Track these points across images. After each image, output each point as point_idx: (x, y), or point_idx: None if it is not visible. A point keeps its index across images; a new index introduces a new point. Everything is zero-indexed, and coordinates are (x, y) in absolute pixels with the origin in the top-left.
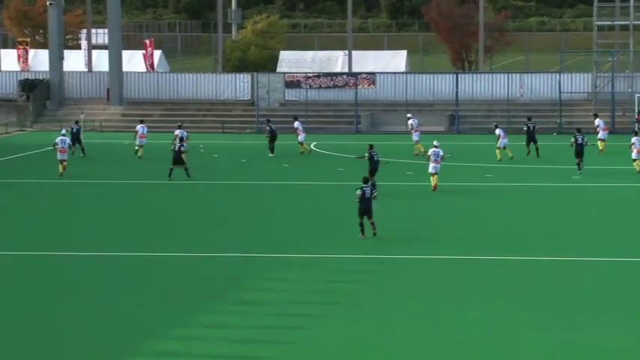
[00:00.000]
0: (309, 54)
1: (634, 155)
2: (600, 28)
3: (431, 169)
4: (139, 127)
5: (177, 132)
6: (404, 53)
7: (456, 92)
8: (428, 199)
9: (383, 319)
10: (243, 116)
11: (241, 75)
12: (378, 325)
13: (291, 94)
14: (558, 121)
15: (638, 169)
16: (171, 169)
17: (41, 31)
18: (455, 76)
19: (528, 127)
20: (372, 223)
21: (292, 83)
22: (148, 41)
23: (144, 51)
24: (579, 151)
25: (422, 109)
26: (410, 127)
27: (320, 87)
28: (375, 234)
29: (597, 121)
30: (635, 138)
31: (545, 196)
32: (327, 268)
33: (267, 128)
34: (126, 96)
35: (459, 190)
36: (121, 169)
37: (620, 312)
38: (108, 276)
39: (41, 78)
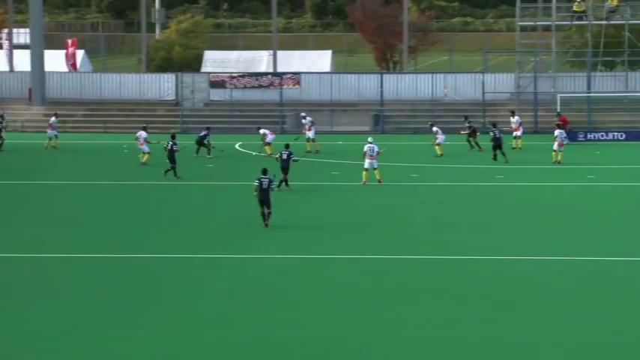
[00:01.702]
0: (233, 54)
1: (555, 147)
2: (523, 29)
3: (366, 165)
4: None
5: (139, 133)
6: (328, 53)
7: (381, 92)
8: (348, 196)
9: (312, 321)
10: (168, 116)
11: (165, 75)
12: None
13: (216, 94)
14: (482, 120)
15: (554, 160)
16: (168, 170)
17: None
18: (379, 76)
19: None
20: (269, 214)
21: (217, 83)
22: (70, 41)
23: (66, 50)
24: (498, 144)
25: (347, 109)
26: (307, 125)
27: (245, 87)
28: (266, 225)
29: (513, 119)
30: (558, 131)
31: (469, 195)
32: (235, 267)
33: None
34: (48, 96)
35: (383, 188)
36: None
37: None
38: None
39: None
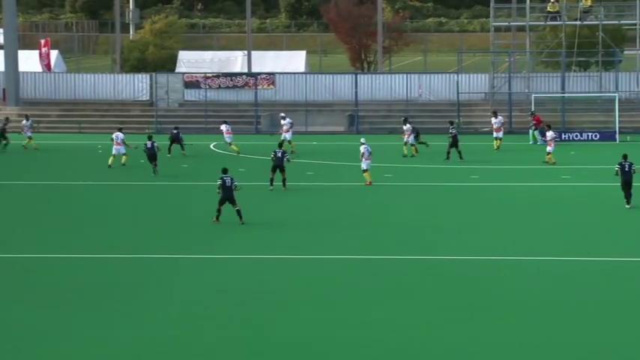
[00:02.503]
0: (208, 54)
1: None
2: (497, 29)
3: (364, 166)
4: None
5: (115, 135)
6: (303, 53)
7: (356, 92)
8: (322, 196)
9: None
10: (142, 116)
11: (140, 75)
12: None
13: (191, 95)
14: (456, 121)
15: (551, 161)
16: (154, 169)
17: None
18: (354, 76)
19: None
20: (238, 211)
21: (191, 83)
22: (43, 41)
23: (40, 51)
24: (454, 143)
25: (322, 109)
26: (285, 126)
27: (219, 87)
28: (242, 222)
29: (495, 120)
30: (551, 132)
31: (445, 196)
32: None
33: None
34: (22, 96)
35: (359, 189)
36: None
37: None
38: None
39: None
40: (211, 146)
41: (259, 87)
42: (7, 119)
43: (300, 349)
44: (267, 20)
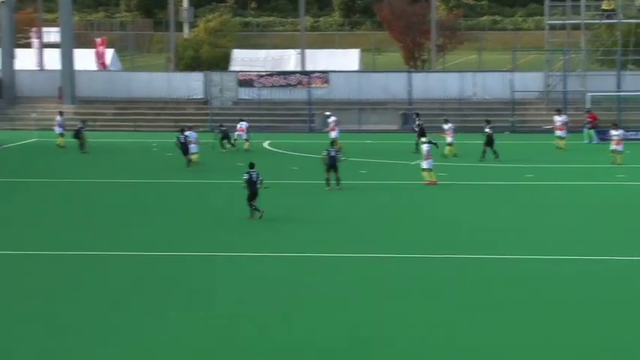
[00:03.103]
0: (261, 53)
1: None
2: (552, 27)
3: (426, 165)
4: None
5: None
6: (356, 52)
7: (409, 91)
8: (377, 194)
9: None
10: (196, 115)
11: (194, 73)
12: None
13: (244, 93)
14: (511, 119)
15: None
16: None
17: None
18: (408, 74)
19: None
20: (256, 208)
21: (245, 82)
22: (99, 39)
23: (96, 49)
24: (489, 141)
25: (375, 107)
26: (331, 124)
27: (273, 86)
28: (260, 216)
29: (559, 118)
30: (617, 131)
31: (502, 194)
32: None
33: (222, 129)
34: (78, 94)
35: (411, 188)
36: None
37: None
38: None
39: None
40: (265, 144)
41: (312, 85)
42: (83, 122)
43: (343, 349)
44: (321, 19)
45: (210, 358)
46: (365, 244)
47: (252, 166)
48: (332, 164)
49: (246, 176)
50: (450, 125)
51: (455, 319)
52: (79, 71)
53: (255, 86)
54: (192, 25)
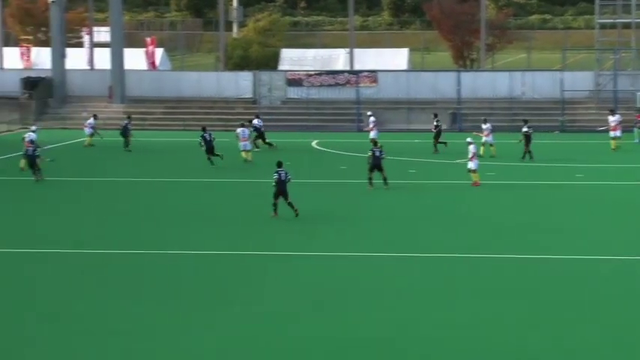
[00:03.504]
0: (310, 52)
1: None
2: (602, 26)
3: (472, 166)
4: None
5: (242, 130)
6: (405, 51)
7: (458, 90)
8: (424, 193)
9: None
10: (245, 114)
11: (243, 73)
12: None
13: (293, 92)
14: (560, 119)
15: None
16: (213, 156)
17: (43, 29)
18: (457, 73)
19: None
20: (290, 204)
21: (294, 81)
22: (149, 39)
23: (145, 49)
24: (527, 141)
25: (424, 107)
26: (370, 124)
27: (321, 85)
28: (296, 215)
29: (612, 118)
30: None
31: (552, 194)
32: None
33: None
34: (128, 94)
35: (460, 188)
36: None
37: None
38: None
39: (43, 76)
40: (313, 144)
41: (361, 85)
42: (129, 117)
43: (388, 348)
44: (370, 18)
45: (251, 353)
46: (415, 244)
47: (280, 164)
48: (376, 164)
49: (275, 176)
50: (487, 125)
51: (517, 319)
52: (129, 71)
53: (303, 85)
54: (242, 25)
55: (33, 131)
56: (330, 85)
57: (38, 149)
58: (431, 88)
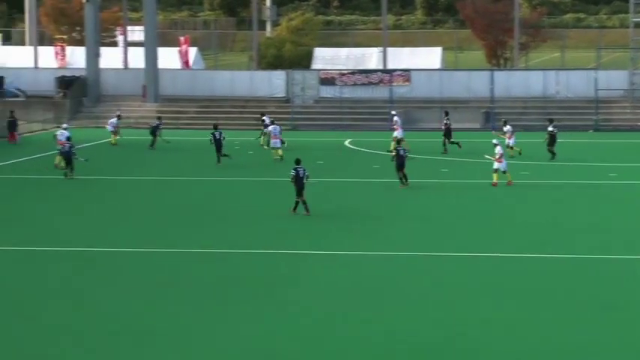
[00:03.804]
0: (343, 51)
1: None
2: (637, 25)
3: (500, 167)
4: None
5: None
6: (438, 50)
7: (491, 89)
8: (458, 193)
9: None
10: (278, 113)
11: (276, 72)
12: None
13: (326, 91)
14: (595, 118)
15: None
16: (223, 155)
17: (78, 28)
18: (490, 72)
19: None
20: (304, 202)
21: (327, 80)
22: (182, 38)
23: (179, 48)
24: (552, 140)
25: (457, 106)
26: (393, 123)
27: (354, 84)
28: (307, 212)
29: None
30: None
31: (587, 193)
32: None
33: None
34: (161, 93)
35: (498, 187)
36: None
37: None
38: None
39: (78, 75)
40: (346, 143)
41: (394, 84)
42: (159, 118)
43: (432, 349)
44: (403, 17)
45: (294, 351)
46: (452, 244)
47: (298, 162)
48: (401, 163)
49: (293, 172)
50: (508, 127)
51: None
52: (163, 70)
53: (336, 84)
54: (275, 24)
55: (64, 129)
56: (363, 84)
57: (73, 148)
58: (464, 87)
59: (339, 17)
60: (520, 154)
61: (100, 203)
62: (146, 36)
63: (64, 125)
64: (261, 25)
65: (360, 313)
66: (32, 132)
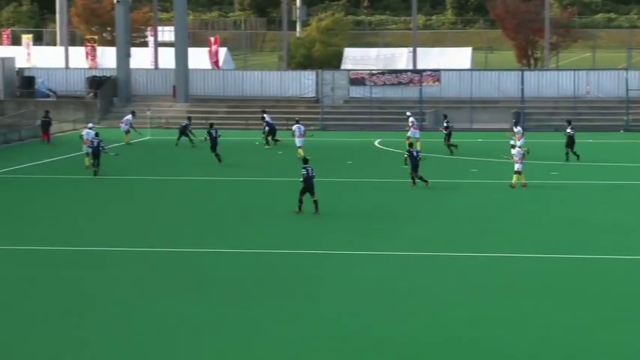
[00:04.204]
0: (373, 51)
1: None
2: None
3: (518, 168)
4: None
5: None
6: (469, 50)
7: (522, 89)
8: (489, 194)
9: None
10: (308, 113)
11: (306, 72)
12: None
13: (356, 91)
14: (625, 118)
15: None
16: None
17: (109, 28)
18: (520, 72)
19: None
20: (315, 202)
21: (357, 80)
22: (212, 38)
23: (209, 48)
24: (570, 142)
25: (487, 106)
26: (411, 124)
27: (384, 84)
28: (316, 211)
29: None
30: None
31: (616, 193)
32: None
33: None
34: (191, 93)
35: (528, 187)
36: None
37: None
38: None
39: (108, 75)
40: (376, 143)
41: (424, 84)
42: (189, 118)
43: (462, 348)
44: (433, 17)
45: (318, 349)
46: (483, 244)
47: (306, 161)
48: (415, 164)
49: (304, 172)
50: (519, 128)
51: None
52: (193, 70)
53: (366, 84)
54: (305, 24)
55: (90, 128)
56: (392, 84)
57: (102, 142)
58: (494, 87)
59: (369, 17)
60: (528, 152)
61: (128, 203)
62: (176, 36)
63: (90, 125)
64: (291, 25)
65: (386, 312)
66: (63, 132)
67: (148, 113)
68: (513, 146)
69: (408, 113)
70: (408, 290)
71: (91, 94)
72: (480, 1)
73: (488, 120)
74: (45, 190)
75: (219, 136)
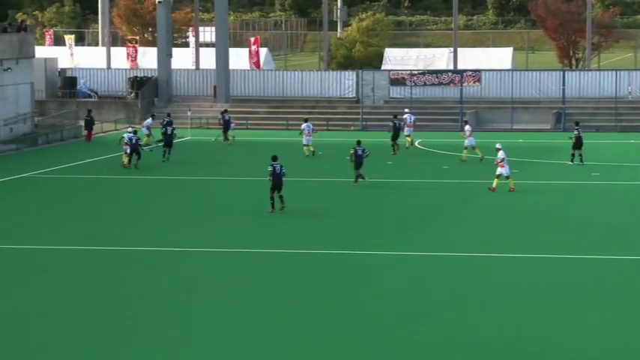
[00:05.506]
0: (413, 51)
1: None
2: None
3: (503, 172)
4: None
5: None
6: (509, 50)
7: (563, 90)
8: (520, 194)
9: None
10: (348, 114)
11: (346, 72)
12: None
13: (396, 92)
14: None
15: None
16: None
17: (150, 29)
18: (561, 73)
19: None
20: (281, 197)
21: (397, 81)
22: (252, 39)
23: (249, 48)
24: (578, 143)
25: (527, 106)
26: (407, 121)
27: (425, 84)
28: (283, 208)
29: None
30: None
31: None
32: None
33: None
34: (232, 93)
35: (560, 188)
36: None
37: None
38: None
39: (150, 75)
40: (416, 143)
41: (465, 84)
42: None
43: (501, 349)
44: (474, 17)
45: (351, 351)
46: (527, 245)
47: (275, 158)
48: (359, 162)
49: (270, 169)
50: (467, 127)
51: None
52: (234, 70)
53: (407, 85)
54: (346, 24)
55: (129, 132)
56: (433, 85)
57: (140, 140)
58: (535, 88)
59: (409, 17)
60: (481, 160)
61: (169, 203)
62: (217, 36)
63: (130, 129)
64: (332, 26)
65: (435, 313)
66: (104, 132)
67: (189, 113)
68: (499, 149)
69: (406, 110)
70: (455, 291)
71: (133, 95)
72: (521, 1)
73: (529, 120)
74: (84, 190)
75: (176, 135)
